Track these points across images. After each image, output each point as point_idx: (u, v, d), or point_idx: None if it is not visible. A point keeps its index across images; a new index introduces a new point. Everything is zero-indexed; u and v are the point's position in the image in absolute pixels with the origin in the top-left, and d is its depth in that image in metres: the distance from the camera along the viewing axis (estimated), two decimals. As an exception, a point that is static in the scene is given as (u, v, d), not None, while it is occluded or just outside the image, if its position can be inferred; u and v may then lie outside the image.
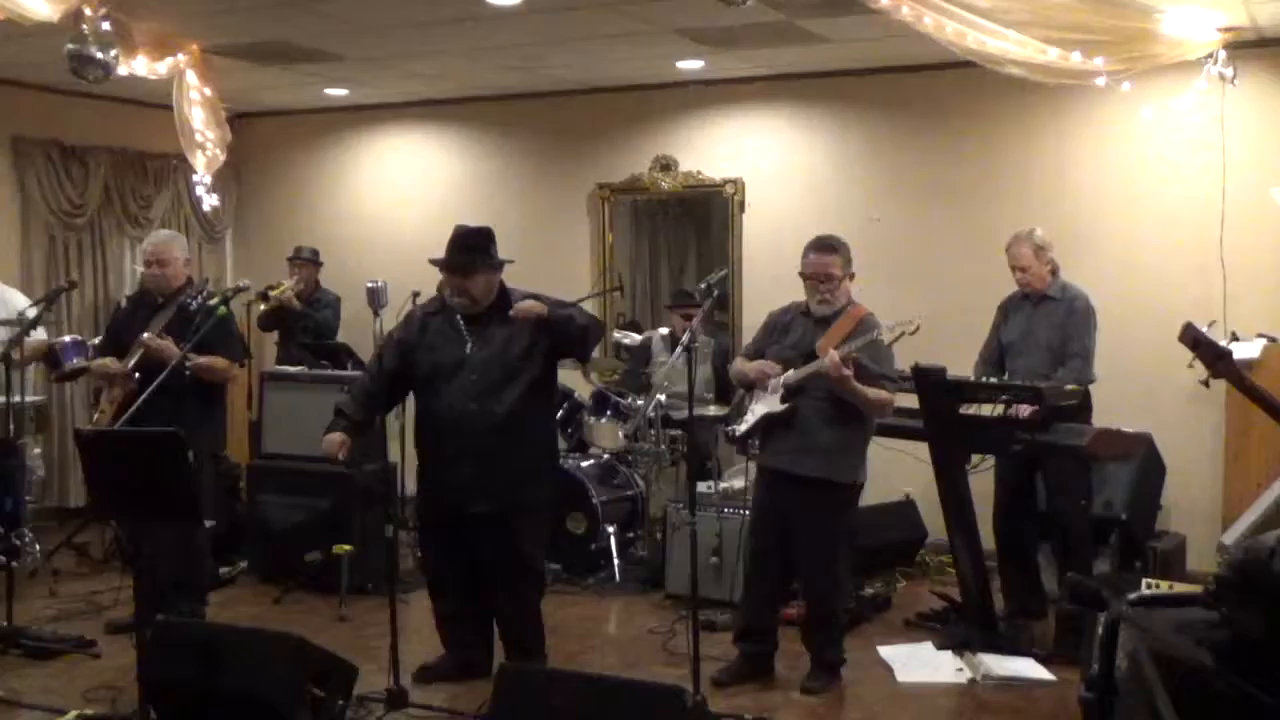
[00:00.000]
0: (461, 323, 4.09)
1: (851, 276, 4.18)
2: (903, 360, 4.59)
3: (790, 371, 4.02)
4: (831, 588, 4.15)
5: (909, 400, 4.56)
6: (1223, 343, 3.09)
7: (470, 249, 4.09)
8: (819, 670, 4.12)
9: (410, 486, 4.54)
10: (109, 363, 4.63)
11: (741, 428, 4.16)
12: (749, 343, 4.48)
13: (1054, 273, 4.84)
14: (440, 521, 4.19)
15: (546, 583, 4.43)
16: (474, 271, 4.05)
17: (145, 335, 4.49)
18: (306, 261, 6.97)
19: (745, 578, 4.35)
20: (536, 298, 4.10)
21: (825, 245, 4.16)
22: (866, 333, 3.96)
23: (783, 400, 4.01)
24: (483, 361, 4.02)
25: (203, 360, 4.51)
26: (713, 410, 5.66)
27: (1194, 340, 2.97)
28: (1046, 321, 4.77)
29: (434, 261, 4.16)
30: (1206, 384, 3.13)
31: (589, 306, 6.90)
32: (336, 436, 4.06)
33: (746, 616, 4.27)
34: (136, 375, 4.46)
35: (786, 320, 4.23)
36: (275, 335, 7.12)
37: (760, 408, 4.09)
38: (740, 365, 4.28)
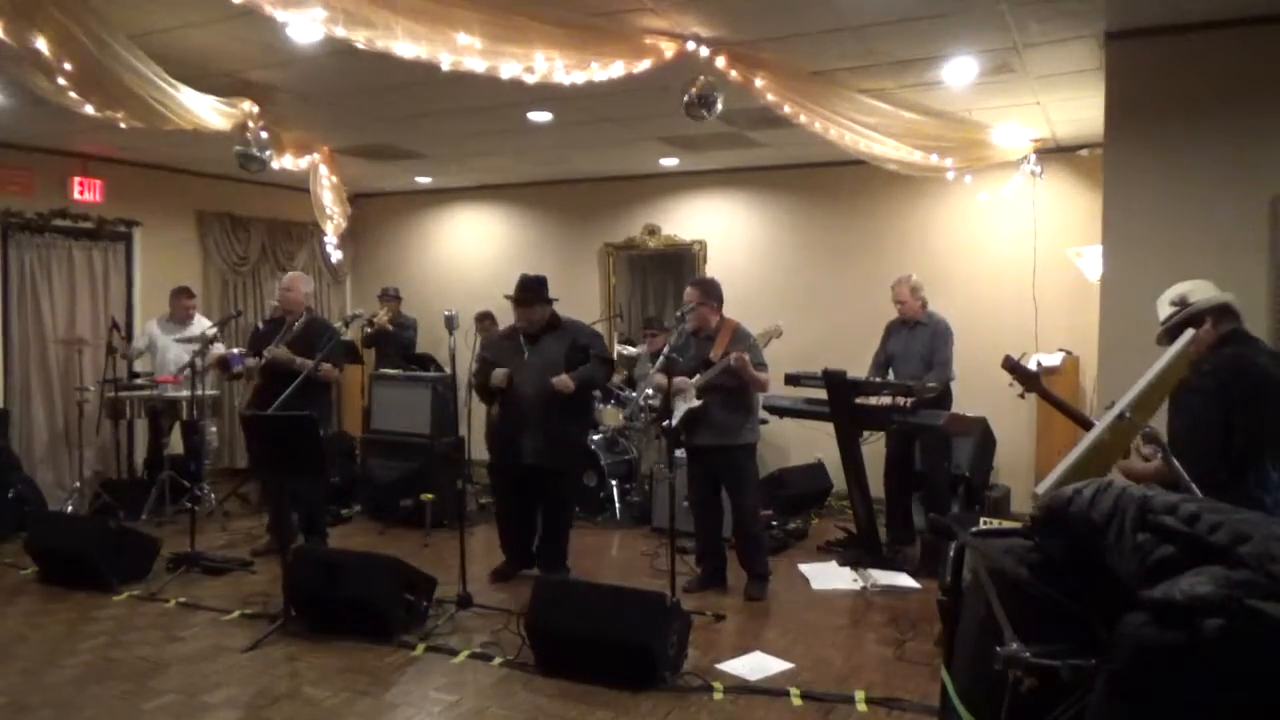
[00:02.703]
0: (522, 338, 4.19)
1: (720, 304, 4.13)
2: (814, 366, 4.61)
3: (698, 376, 4.00)
4: (752, 514, 4.14)
5: (820, 393, 4.57)
6: (1031, 366, 3.09)
7: (530, 289, 4.20)
8: (755, 580, 4.11)
9: (475, 454, 4.52)
10: (251, 362, 4.69)
11: (674, 421, 4.11)
12: (660, 360, 3.99)
13: (924, 305, 4.85)
14: (506, 469, 4.25)
15: (574, 514, 4.41)
16: (533, 305, 4.16)
17: (268, 350, 4.51)
18: (391, 298, 6.99)
19: (695, 520, 4.28)
20: (579, 333, 4.23)
21: (691, 284, 4.19)
22: (743, 339, 4.00)
23: (698, 397, 4.00)
24: (536, 364, 4.11)
25: (324, 366, 4.52)
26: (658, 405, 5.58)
27: (1012, 367, 2.96)
28: (918, 340, 4.77)
29: (507, 296, 4.26)
30: (1022, 396, 3.12)
31: (597, 330, 6.95)
32: (502, 372, 4.14)
33: (701, 545, 4.26)
34: (260, 376, 4.54)
35: (682, 342, 4.12)
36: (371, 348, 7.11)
37: (683, 406, 4.05)
38: (658, 379, 4.01)
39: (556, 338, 4.19)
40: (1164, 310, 2.43)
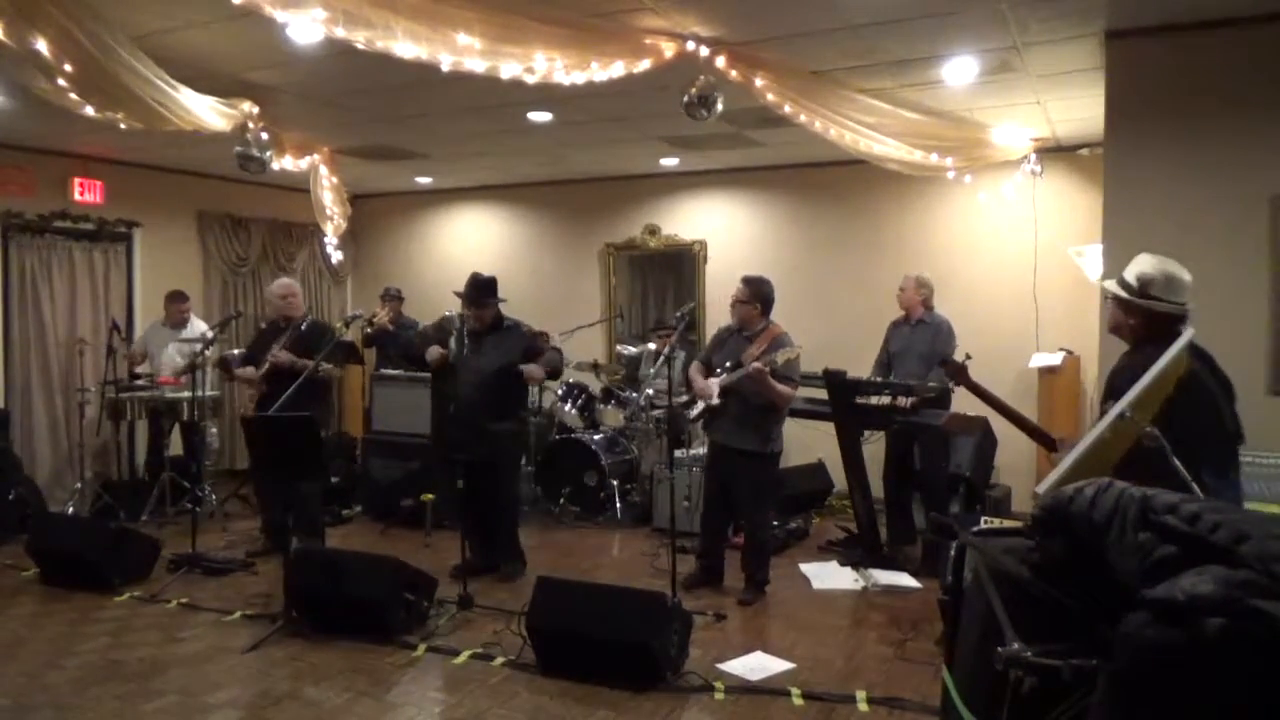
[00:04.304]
0: (466, 334, 4.22)
1: (766, 308, 4.09)
2: (815, 366, 4.60)
3: (724, 376, 3.99)
4: (760, 524, 4.12)
5: (821, 393, 4.57)
6: (959, 358, 3.04)
7: (483, 289, 4.24)
8: (751, 586, 4.08)
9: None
10: (249, 371, 4.67)
11: (692, 413, 4.12)
12: (703, 351, 4.36)
13: (926, 303, 4.85)
14: (448, 465, 4.34)
15: (521, 507, 4.51)
16: (485, 305, 4.21)
17: (271, 353, 4.51)
18: (393, 298, 6.93)
19: (701, 517, 4.29)
20: (535, 338, 4.31)
21: (744, 279, 4.16)
22: (777, 348, 3.92)
23: (719, 397, 3.98)
24: (474, 364, 4.17)
25: (324, 366, 4.52)
26: (685, 400, 5.64)
27: (942, 361, 2.95)
28: (920, 339, 4.78)
29: (458, 293, 4.30)
30: (952, 390, 3.09)
31: (598, 331, 6.96)
32: (437, 351, 4.24)
33: (703, 542, 4.25)
34: (264, 383, 4.52)
35: (725, 336, 4.20)
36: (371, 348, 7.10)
37: (702, 402, 4.05)
38: (693, 372, 4.19)
39: (501, 338, 4.23)
40: (1127, 274, 2.33)
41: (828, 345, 5.55)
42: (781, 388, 3.90)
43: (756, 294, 4.06)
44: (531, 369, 4.18)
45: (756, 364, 3.81)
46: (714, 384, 4.01)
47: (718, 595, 4.07)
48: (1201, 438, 2.17)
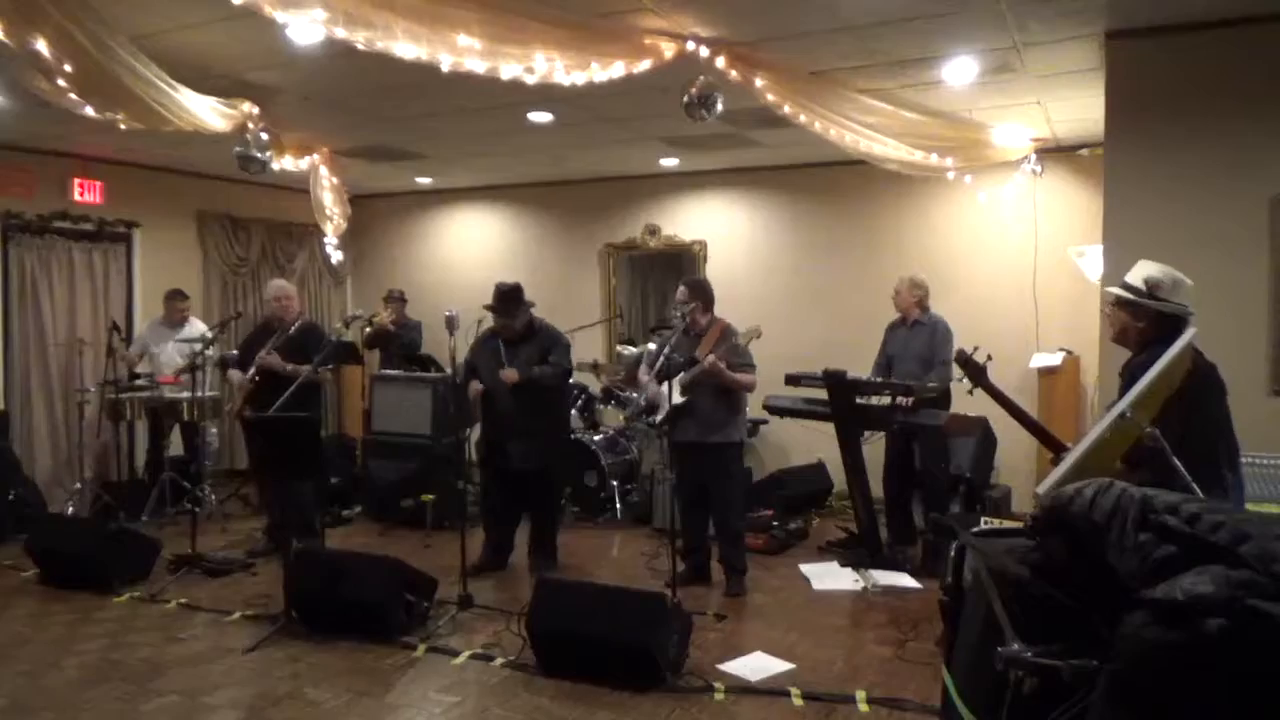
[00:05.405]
0: (502, 346, 4.29)
1: (709, 305, 4.17)
2: (815, 366, 4.60)
3: (682, 374, 4.02)
4: (735, 511, 4.15)
5: (821, 393, 4.56)
6: (980, 360, 2.97)
7: (509, 298, 4.28)
8: (732, 575, 4.09)
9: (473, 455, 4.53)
10: (234, 375, 4.70)
11: (658, 418, 4.11)
12: (660, 362, 4.13)
13: (921, 304, 4.84)
14: (495, 472, 4.37)
15: (564, 512, 4.50)
16: (513, 314, 4.26)
17: (259, 355, 4.52)
18: (396, 299, 6.93)
19: (681, 517, 4.10)
20: (547, 341, 4.35)
21: (683, 282, 4.25)
22: (728, 339, 4.01)
23: (683, 394, 4.00)
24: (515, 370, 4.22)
25: (305, 369, 4.45)
26: (644, 406, 5.61)
27: (964, 361, 2.90)
28: (918, 340, 4.76)
29: (487, 306, 4.33)
30: (971, 392, 2.99)
31: (598, 331, 6.96)
32: (477, 384, 4.30)
33: (687, 541, 4.21)
34: (256, 379, 4.54)
35: (677, 342, 4.17)
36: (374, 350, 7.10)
37: (668, 403, 4.05)
38: (643, 375, 4.34)
39: (532, 345, 4.31)
40: (1131, 278, 2.35)
41: (828, 345, 5.56)
42: (740, 376, 3.96)
43: (698, 293, 4.15)
44: (507, 372, 4.21)
45: (711, 357, 3.87)
46: (653, 385, 4.05)
47: (716, 595, 4.06)
48: (1220, 433, 2.17)
